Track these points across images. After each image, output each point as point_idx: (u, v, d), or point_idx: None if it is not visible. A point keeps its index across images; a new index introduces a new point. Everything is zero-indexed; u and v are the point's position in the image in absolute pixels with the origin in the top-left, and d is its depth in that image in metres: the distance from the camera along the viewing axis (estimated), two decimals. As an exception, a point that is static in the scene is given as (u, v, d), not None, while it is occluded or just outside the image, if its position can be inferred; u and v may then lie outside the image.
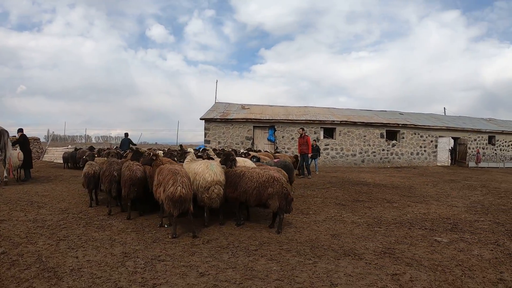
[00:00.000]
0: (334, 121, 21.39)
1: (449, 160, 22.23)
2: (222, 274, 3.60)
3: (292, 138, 21.33)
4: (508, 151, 23.53)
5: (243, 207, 6.15)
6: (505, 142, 23.55)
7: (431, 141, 22.12)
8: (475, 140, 22.75)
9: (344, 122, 21.34)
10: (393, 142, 21.81)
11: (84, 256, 4.10)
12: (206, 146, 19.41)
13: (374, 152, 21.69)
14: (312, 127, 21.49)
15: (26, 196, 8.28)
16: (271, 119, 21.42)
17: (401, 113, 26.00)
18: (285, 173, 6.94)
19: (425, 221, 6.42)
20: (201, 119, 21.41)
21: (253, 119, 21.37)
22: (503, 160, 22.73)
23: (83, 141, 46.54)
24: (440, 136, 22.10)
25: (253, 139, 21.31)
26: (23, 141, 12.04)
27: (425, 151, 22.15)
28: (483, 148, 22.79)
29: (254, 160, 8.33)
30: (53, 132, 26.60)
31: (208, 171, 5.48)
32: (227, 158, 5.91)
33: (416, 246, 4.80)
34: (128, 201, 6.20)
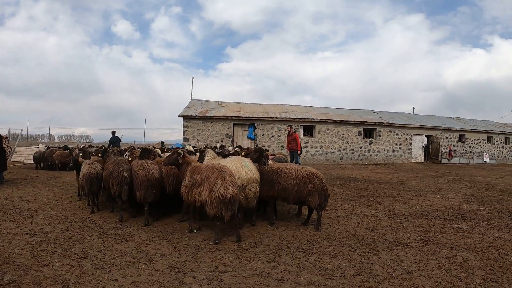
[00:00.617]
0: (313, 119, 22.12)
1: (423, 157, 23.75)
2: (300, 277, 3.56)
3: (272, 136, 21.81)
4: (477, 148, 25.62)
5: (270, 206, 6.06)
6: (474, 140, 25.65)
7: (406, 139, 23.53)
8: (446, 138, 24.53)
9: (324, 120, 22.14)
10: (370, 139, 22.94)
11: (124, 277, 3.53)
12: (184, 144, 19.40)
13: (353, 149, 22.68)
14: (292, 125, 22.01)
15: (9, 202, 7.46)
16: (251, 117, 21.73)
17: (375, 112, 27.35)
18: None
19: (435, 211, 7.08)
20: (179, 116, 21.26)
21: (233, 116, 21.55)
22: (472, 157, 24.69)
23: (46, 140, 44.39)
24: (414, 134, 23.58)
25: (232, 136, 21.51)
26: None
27: (400, 148, 23.51)
28: (454, 146, 24.63)
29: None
30: (21, 130, 25.06)
31: (244, 169, 5.32)
32: (260, 155, 5.83)
33: (445, 233, 5.39)
34: (145, 204, 5.71)
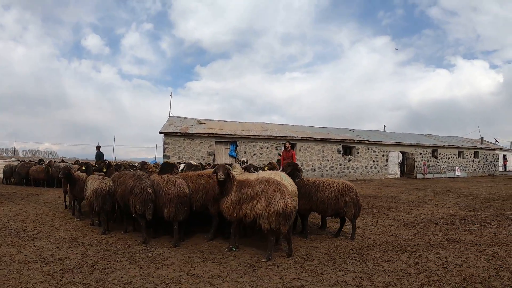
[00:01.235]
0: (295, 137, 22.98)
1: (399, 173, 25.20)
2: (375, 281, 3.91)
3: (254, 154, 22.35)
4: (449, 163, 27.65)
5: (306, 219, 6.25)
6: (446, 155, 27.70)
7: (383, 156, 24.96)
8: (420, 154, 26.29)
9: (305, 138, 23.06)
10: (349, 157, 24.10)
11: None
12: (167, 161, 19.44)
13: (332, 166, 23.68)
14: (273, 143, 22.76)
15: None
16: (233, 135, 22.22)
17: (351, 130, 28.79)
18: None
19: (440, 219, 7.98)
20: (160, 132, 21.16)
21: (215, 134, 21.90)
22: (445, 171, 26.58)
23: (10, 154, 42.34)
24: (390, 151, 25.09)
25: (214, 154, 21.81)
26: None
27: (377, 164, 24.84)
28: (428, 161, 26.43)
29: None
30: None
31: (285, 183, 5.25)
32: (294, 169, 6.24)
33: (463, 235, 6.26)
34: (174, 223, 5.48)
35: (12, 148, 44.14)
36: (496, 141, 34.62)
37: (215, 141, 21.93)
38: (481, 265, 4.33)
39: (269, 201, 4.63)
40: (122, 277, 3.99)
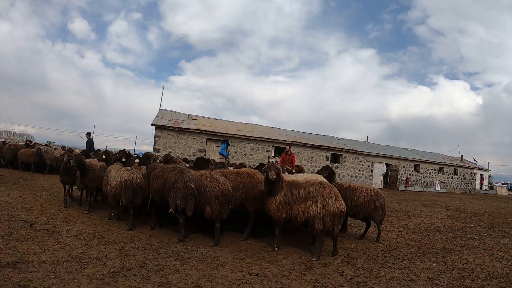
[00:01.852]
0: (286, 141, 23.85)
1: (382, 183, 26.50)
2: (422, 275, 4.69)
3: (245, 154, 23.05)
4: (430, 177, 29.42)
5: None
6: (427, 170, 29.49)
7: (368, 166, 26.27)
8: (403, 167, 27.86)
9: (296, 143, 23.99)
10: (336, 164, 25.25)
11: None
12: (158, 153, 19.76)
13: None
14: (265, 145, 23.54)
15: (1, 209, 6.61)
16: (225, 133, 22.77)
17: (338, 139, 30.10)
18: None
19: (440, 228, 9.08)
20: (152, 125, 21.42)
21: (207, 131, 22.36)
22: (426, 185, 28.27)
23: None
24: (376, 162, 26.45)
25: (205, 151, 22.31)
26: None
27: (362, 174, 26.13)
28: (410, 174, 27.91)
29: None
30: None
31: None
32: (332, 173, 6.94)
33: (468, 242, 7.28)
34: (217, 222, 5.53)
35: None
36: (475, 160, 37.07)
37: (207, 138, 22.39)
38: (497, 265, 5.33)
39: (325, 203, 5.03)
40: (185, 279, 3.91)
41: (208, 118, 27.39)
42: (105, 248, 4.83)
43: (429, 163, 29.67)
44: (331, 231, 5.12)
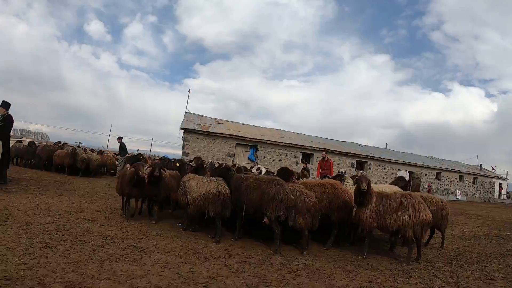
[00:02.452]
0: (313, 147, 25.16)
1: (405, 191, 27.68)
2: (506, 276, 5.69)
3: (273, 160, 24.25)
4: (450, 186, 30.63)
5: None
6: (448, 178, 30.76)
7: (392, 173, 27.49)
8: (425, 175, 29.09)
9: (322, 149, 25.10)
10: (361, 171, 26.34)
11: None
12: (184, 159, 20.76)
13: (344, 179, 25.83)
14: (292, 151, 24.82)
15: (65, 219, 6.59)
16: (254, 139, 23.93)
17: (361, 146, 31.29)
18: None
19: (482, 235, 10.37)
20: (182, 128, 22.26)
21: (237, 136, 23.46)
22: (447, 193, 29.44)
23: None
24: (399, 170, 27.66)
25: (234, 156, 23.45)
26: (6, 123, 9.66)
27: (386, 181, 27.28)
28: (432, 182, 29.07)
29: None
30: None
31: None
32: (407, 183, 8.16)
33: None
34: (306, 231, 6.09)
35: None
36: (493, 169, 38.10)
37: (236, 143, 23.34)
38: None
39: (416, 213, 5.77)
40: None
41: (234, 122, 28.32)
42: (209, 264, 4.93)
43: (450, 171, 30.95)
44: (419, 238, 5.97)
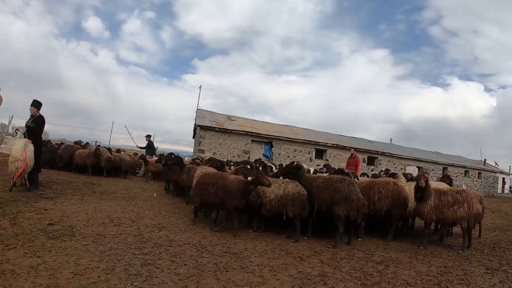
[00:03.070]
0: (326, 143, 26.36)
1: (413, 186, 29.14)
2: None
3: (288, 156, 25.27)
4: (456, 180, 32.15)
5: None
6: (454, 173, 32.38)
7: (401, 168, 28.94)
8: (433, 170, 30.64)
9: (335, 146, 26.53)
10: (372, 167, 27.82)
11: None
12: (200, 156, 21.29)
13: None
14: (306, 147, 25.94)
15: (140, 232, 6.11)
16: (269, 135, 24.88)
17: (370, 141, 32.58)
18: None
19: (503, 226, 11.65)
20: (197, 125, 22.88)
21: (252, 133, 24.25)
22: (454, 188, 30.88)
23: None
24: (408, 165, 29.11)
25: (249, 153, 24.39)
26: (39, 124, 9.13)
27: (395, 176, 28.62)
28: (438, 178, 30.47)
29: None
30: (11, 116, 22.03)
31: None
32: (451, 181, 9.16)
33: None
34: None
35: (7, 124, 44.48)
36: (496, 164, 39.96)
37: (252, 140, 24.16)
38: None
39: (470, 207, 6.52)
40: (413, 276, 4.98)
41: (246, 119, 28.91)
42: (309, 263, 5.27)
43: (456, 166, 32.65)
44: (471, 228, 6.85)
